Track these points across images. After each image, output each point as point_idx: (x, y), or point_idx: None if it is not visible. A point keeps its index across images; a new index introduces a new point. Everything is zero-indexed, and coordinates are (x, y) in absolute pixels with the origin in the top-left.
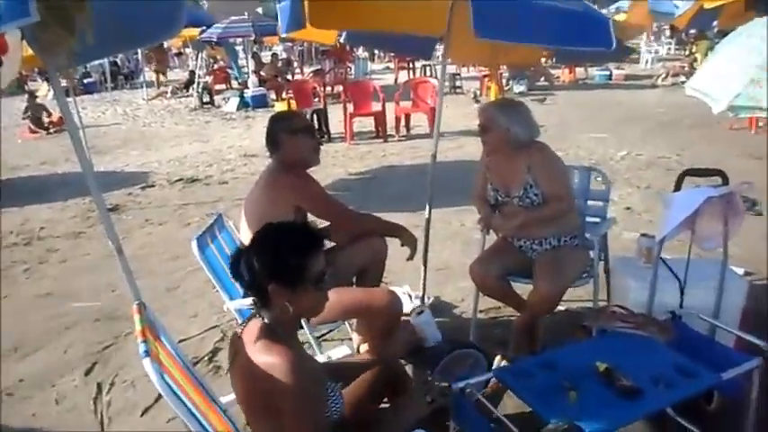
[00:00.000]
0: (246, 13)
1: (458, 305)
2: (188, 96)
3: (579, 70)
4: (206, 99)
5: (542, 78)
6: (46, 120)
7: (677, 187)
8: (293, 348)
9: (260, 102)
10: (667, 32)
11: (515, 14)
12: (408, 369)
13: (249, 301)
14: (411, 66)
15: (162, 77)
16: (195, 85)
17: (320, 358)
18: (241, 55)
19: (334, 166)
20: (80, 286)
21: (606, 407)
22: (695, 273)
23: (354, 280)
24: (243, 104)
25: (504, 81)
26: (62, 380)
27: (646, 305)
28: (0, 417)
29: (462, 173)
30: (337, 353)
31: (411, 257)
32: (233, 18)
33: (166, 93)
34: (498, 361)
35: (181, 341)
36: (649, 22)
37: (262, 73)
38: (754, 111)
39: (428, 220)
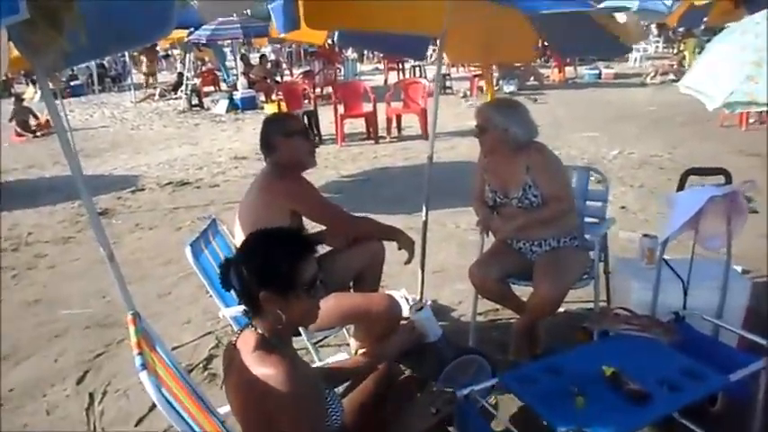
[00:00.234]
0: (235, 15)
1: (455, 308)
2: (176, 99)
3: (569, 69)
4: (195, 101)
5: (532, 78)
6: (33, 123)
7: (680, 186)
8: (288, 357)
9: (249, 104)
10: (655, 31)
11: None
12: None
13: (243, 308)
14: (400, 67)
15: (152, 79)
16: (184, 88)
17: (318, 365)
18: (229, 57)
19: (326, 168)
20: (70, 293)
21: (615, 412)
22: (697, 273)
23: (352, 284)
24: (232, 106)
25: (493, 81)
26: (53, 389)
27: (649, 306)
28: None
29: (456, 174)
30: (336, 360)
31: (409, 261)
32: (221, 20)
33: (154, 95)
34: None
35: (174, 348)
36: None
37: (251, 75)
38: (750, 106)
39: (425, 223)
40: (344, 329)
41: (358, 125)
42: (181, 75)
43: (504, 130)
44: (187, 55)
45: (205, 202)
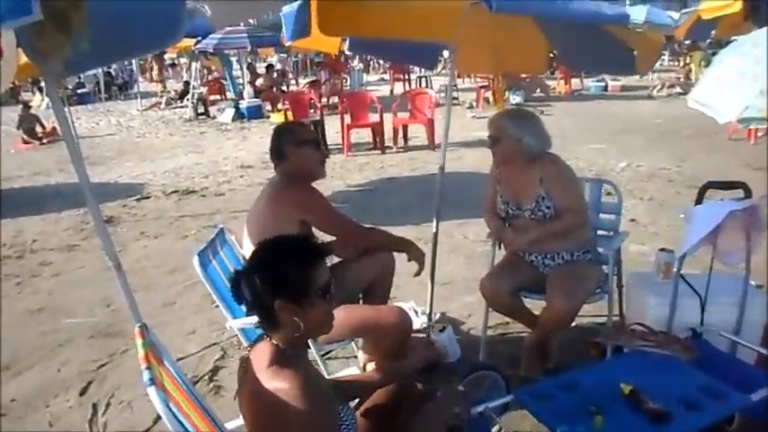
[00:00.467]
0: (242, 24)
1: (465, 321)
2: (182, 107)
3: (575, 81)
4: (201, 110)
5: (538, 90)
6: (39, 131)
7: (699, 200)
8: (303, 370)
9: (255, 113)
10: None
11: None
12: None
13: (254, 320)
14: (406, 77)
15: (162, 87)
16: (190, 96)
17: (329, 378)
18: (235, 66)
19: (333, 177)
20: (74, 301)
21: None
22: (713, 288)
23: (361, 296)
24: (238, 115)
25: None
26: (56, 400)
27: (665, 322)
28: None
29: (463, 185)
30: (345, 373)
31: (418, 273)
32: (228, 29)
33: (160, 103)
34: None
35: (179, 359)
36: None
37: (257, 84)
38: (764, 122)
39: (435, 234)
40: (353, 342)
41: (364, 135)
42: (187, 83)
43: (517, 140)
44: (193, 64)
45: (211, 211)
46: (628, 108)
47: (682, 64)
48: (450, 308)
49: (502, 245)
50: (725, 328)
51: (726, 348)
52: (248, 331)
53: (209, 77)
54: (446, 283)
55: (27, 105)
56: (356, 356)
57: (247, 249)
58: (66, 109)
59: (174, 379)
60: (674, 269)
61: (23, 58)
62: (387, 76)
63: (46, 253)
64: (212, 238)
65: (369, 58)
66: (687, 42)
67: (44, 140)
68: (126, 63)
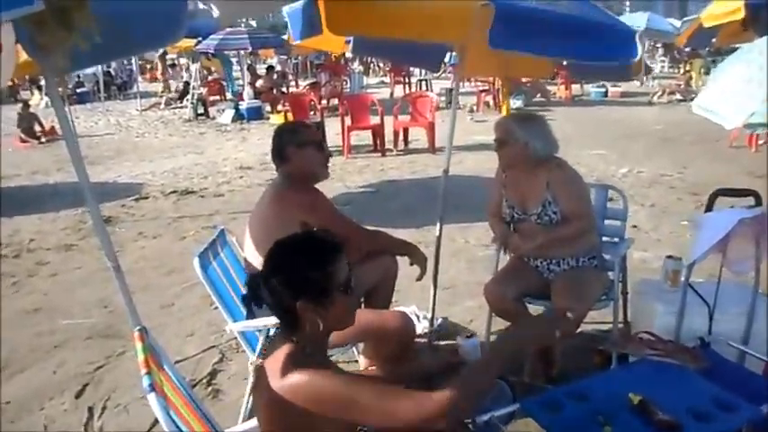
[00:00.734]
0: (243, 25)
1: (466, 326)
2: (182, 107)
3: (575, 87)
4: (200, 110)
5: (539, 94)
6: (38, 129)
7: (708, 207)
8: (326, 364)
9: (255, 114)
10: (660, 50)
11: (538, 26)
12: None
13: (255, 323)
14: (407, 80)
15: (165, 87)
16: (190, 97)
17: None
18: (235, 67)
19: (333, 179)
20: (71, 302)
21: None
22: (721, 297)
23: (363, 299)
24: (238, 116)
25: (500, 96)
26: (51, 402)
27: (673, 330)
28: None
29: (463, 188)
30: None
31: (421, 277)
32: (229, 30)
33: (160, 104)
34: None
35: (177, 362)
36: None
37: (257, 85)
38: None
39: (439, 238)
40: (353, 347)
41: (364, 137)
42: (187, 84)
43: (524, 143)
44: (193, 64)
45: (210, 212)
46: (628, 114)
47: (682, 71)
48: (452, 312)
49: (506, 250)
50: (733, 337)
51: (734, 358)
52: (248, 334)
53: (210, 78)
54: (448, 287)
55: (26, 104)
56: (357, 361)
57: (249, 251)
58: (65, 108)
59: (173, 384)
60: (682, 277)
61: (23, 56)
62: (387, 79)
63: (43, 252)
64: (213, 240)
65: (369, 60)
66: (687, 50)
67: (43, 139)
68: (125, 63)
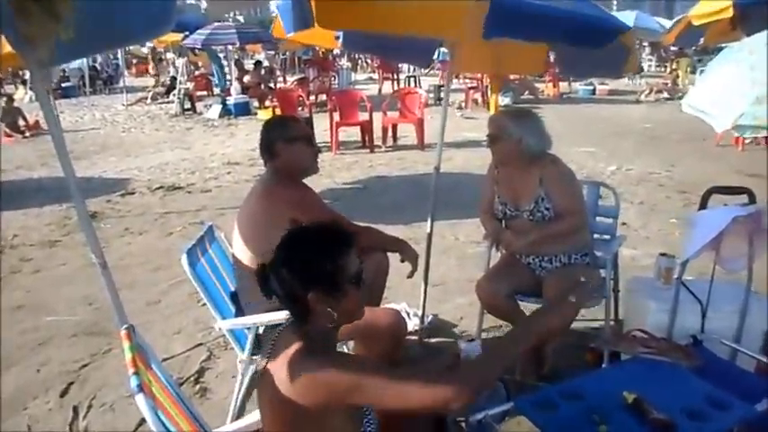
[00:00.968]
0: (230, 20)
1: (457, 324)
2: (168, 102)
3: (563, 84)
4: (187, 105)
5: (527, 92)
6: (22, 124)
7: (702, 205)
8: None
9: (243, 109)
10: (647, 49)
11: (531, 16)
12: None
13: (244, 321)
14: (395, 77)
15: (156, 81)
16: (176, 92)
17: None
18: (223, 62)
19: (322, 176)
20: (55, 299)
21: None
22: (713, 294)
23: None
24: (225, 112)
25: (489, 93)
26: (35, 402)
27: (666, 328)
28: None
29: (453, 185)
30: None
31: (412, 274)
32: (216, 24)
33: (146, 98)
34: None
35: (164, 360)
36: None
37: (245, 80)
38: (760, 130)
39: (430, 235)
40: (344, 345)
41: (353, 133)
42: (174, 78)
43: (518, 139)
44: (180, 59)
45: (197, 208)
46: (616, 112)
47: (669, 70)
48: (443, 309)
49: (499, 246)
50: (725, 335)
51: (726, 356)
52: (237, 332)
53: (197, 73)
54: (438, 284)
55: (10, 98)
56: None
57: (237, 248)
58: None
59: (161, 383)
60: (675, 275)
61: (6, 48)
62: (375, 75)
63: (26, 249)
64: (201, 236)
65: (357, 56)
66: (673, 49)
67: (27, 134)
68: (111, 57)
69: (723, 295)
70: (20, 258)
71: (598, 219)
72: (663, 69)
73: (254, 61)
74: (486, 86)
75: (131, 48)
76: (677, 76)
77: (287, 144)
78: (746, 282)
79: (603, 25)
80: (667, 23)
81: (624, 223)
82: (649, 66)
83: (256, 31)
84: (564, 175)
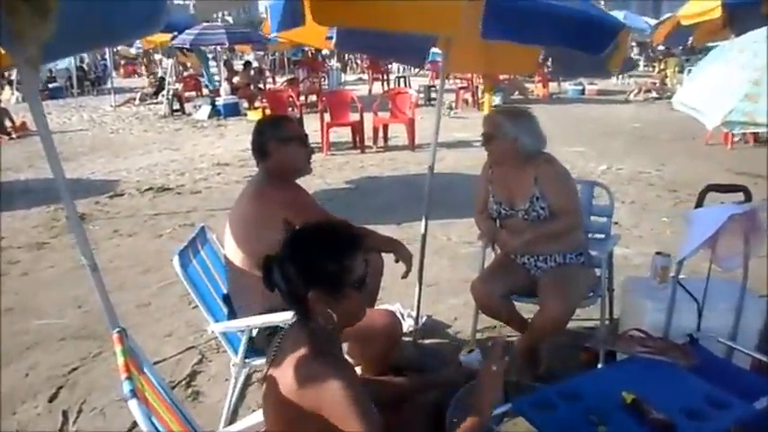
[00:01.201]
0: (219, 20)
1: (451, 324)
2: (157, 103)
3: (552, 85)
4: (176, 106)
5: (516, 92)
6: (8, 125)
7: (699, 203)
8: (342, 362)
9: (232, 110)
10: (635, 49)
11: (527, 17)
12: None
13: (237, 323)
14: (385, 77)
15: (152, 80)
16: (165, 92)
17: None
18: (212, 63)
19: (313, 176)
20: (43, 301)
21: None
22: (709, 293)
23: None
24: (214, 112)
25: (479, 93)
26: (23, 407)
27: (662, 327)
28: None
29: (444, 185)
30: None
31: (406, 275)
32: (205, 24)
33: (135, 99)
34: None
35: (155, 363)
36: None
37: (234, 81)
38: (749, 126)
39: (424, 236)
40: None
41: (343, 134)
42: (162, 79)
43: (513, 138)
44: (169, 59)
45: (187, 209)
46: (606, 112)
47: (657, 69)
48: (437, 310)
49: (494, 246)
50: (721, 333)
51: (721, 354)
52: (230, 335)
53: (185, 74)
54: (431, 284)
55: None
56: None
57: (229, 249)
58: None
59: (154, 388)
60: (671, 273)
61: None
62: (365, 76)
63: (14, 251)
64: (193, 237)
65: (346, 57)
66: (661, 48)
67: (13, 135)
68: (99, 58)
69: (719, 293)
70: (8, 261)
71: (592, 218)
72: (651, 69)
73: (243, 62)
74: (477, 87)
75: (119, 48)
76: (666, 76)
77: (280, 144)
78: (742, 279)
79: (603, 25)
80: (652, 21)
81: (616, 222)
82: (638, 66)
83: (245, 31)
84: (559, 175)
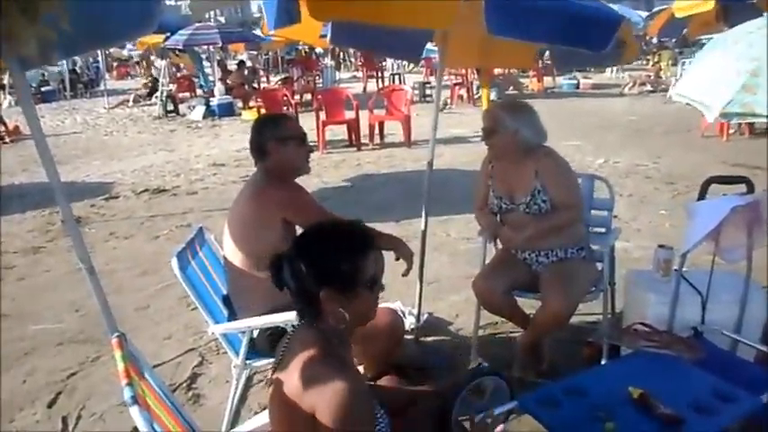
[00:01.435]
0: (212, 20)
1: (453, 321)
2: (151, 105)
3: (547, 79)
4: (170, 107)
5: (511, 87)
6: (2, 129)
7: (701, 195)
8: (350, 366)
9: (226, 110)
10: None
11: (529, 12)
12: None
13: (237, 325)
14: (379, 75)
15: (151, 79)
16: (159, 93)
17: None
18: (205, 63)
19: (309, 175)
20: (40, 306)
21: None
22: (713, 285)
23: None
24: (209, 113)
25: (474, 89)
26: (22, 413)
27: (666, 320)
28: None
29: (443, 181)
30: None
31: (407, 273)
32: (198, 24)
33: (128, 101)
34: None
35: (155, 366)
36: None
37: (228, 81)
38: (746, 117)
39: (424, 233)
40: None
41: (339, 132)
42: (156, 80)
43: (514, 131)
44: (162, 60)
45: (183, 210)
46: (601, 105)
47: (651, 63)
48: (438, 308)
49: (496, 242)
50: (725, 325)
51: (726, 346)
52: (231, 336)
53: (179, 74)
54: (432, 281)
55: None
56: None
57: (228, 250)
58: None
59: (155, 393)
60: (674, 266)
61: None
62: (359, 74)
63: (9, 256)
64: (191, 238)
65: (340, 55)
66: (654, 41)
67: (7, 139)
68: (92, 60)
69: (722, 286)
70: (3, 266)
71: (593, 212)
72: (645, 62)
73: (236, 61)
74: (472, 82)
75: (112, 50)
76: (660, 69)
77: (279, 143)
78: (746, 271)
79: (606, 20)
80: (644, 14)
81: (615, 216)
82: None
83: (238, 30)
84: (560, 167)
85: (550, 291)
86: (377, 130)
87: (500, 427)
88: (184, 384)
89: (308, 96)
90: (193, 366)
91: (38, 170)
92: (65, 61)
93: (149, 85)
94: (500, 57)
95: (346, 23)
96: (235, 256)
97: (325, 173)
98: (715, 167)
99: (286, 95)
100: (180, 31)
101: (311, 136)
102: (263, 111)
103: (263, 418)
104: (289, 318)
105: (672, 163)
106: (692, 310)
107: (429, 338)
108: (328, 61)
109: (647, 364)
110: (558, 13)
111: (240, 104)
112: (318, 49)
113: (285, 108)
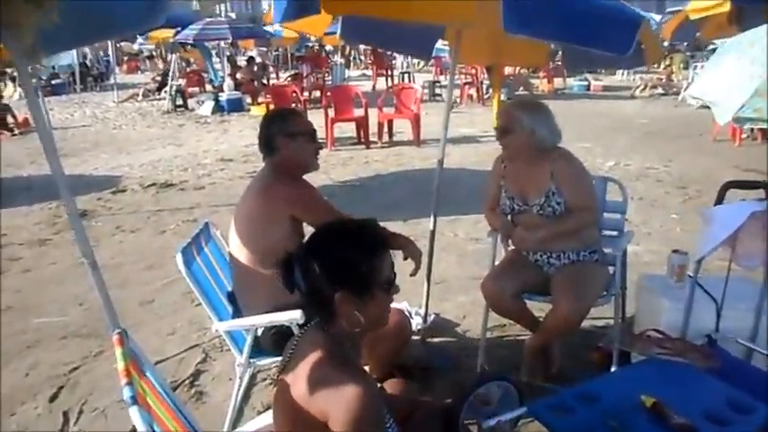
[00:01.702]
0: (222, 15)
1: (460, 323)
2: (160, 99)
3: (557, 80)
4: (179, 102)
5: (521, 88)
6: (11, 121)
7: (719, 200)
8: (362, 371)
9: (235, 105)
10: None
11: (547, 11)
12: None
13: (241, 322)
14: (389, 73)
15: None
16: (168, 88)
17: None
18: (215, 59)
19: (317, 172)
20: (44, 299)
21: None
22: (728, 292)
23: None
24: (218, 108)
25: (484, 89)
26: (23, 407)
27: (679, 327)
28: None
29: (452, 181)
30: None
31: (415, 272)
32: (208, 19)
33: (137, 95)
34: None
35: (157, 362)
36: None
37: (237, 76)
38: (758, 123)
39: (433, 233)
40: None
41: (347, 129)
42: (165, 75)
43: (530, 131)
44: (171, 55)
45: (190, 205)
46: (612, 108)
47: (662, 66)
48: (445, 308)
49: (508, 243)
50: (740, 333)
51: (740, 355)
52: (235, 334)
53: (189, 69)
54: (439, 282)
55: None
56: None
57: (234, 246)
58: (39, 99)
59: (156, 391)
60: (689, 272)
61: None
62: (369, 72)
63: (15, 248)
64: (197, 234)
65: (350, 53)
66: (666, 44)
67: (16, 131)
68: (102, 54)
69: (738, 293)
70: (9, 258)
71: (605, 215)
72: (656, 65)
73: (246, 57)
74: (482, 82)
75: (122, 44)
76: (671, 72)
77: (288, 139)
78: (763, 278)
79: (625, 22)
80: (657, 17)
81: (626, 219)
82: None
83: (249, 26)
84: (577, 170)
85: (562, 294)
86: (386, 128)
87: None
88: (187, 381)
89: (317, 93)
90: (197, 363)
91: (46, 162)
92: (75, 54)
93: (158, 79)
94: (512, 54)
95: (357, 19)
96: (240, 252)
97: (333, 170)
98: (727, 172)
99: (295, 92)
100: (190, 26)
101: (320, 133)
102: (271, 107)
103: (267, 418)
104: (293, 316)
105: (683, 167)
106: (706, 318)
107: (436, 339)
108: (338, 59)
109: (659, 372)
110: (578, 12)
111: (249, 100)
112: (328, 47)
113: (294, 105)
